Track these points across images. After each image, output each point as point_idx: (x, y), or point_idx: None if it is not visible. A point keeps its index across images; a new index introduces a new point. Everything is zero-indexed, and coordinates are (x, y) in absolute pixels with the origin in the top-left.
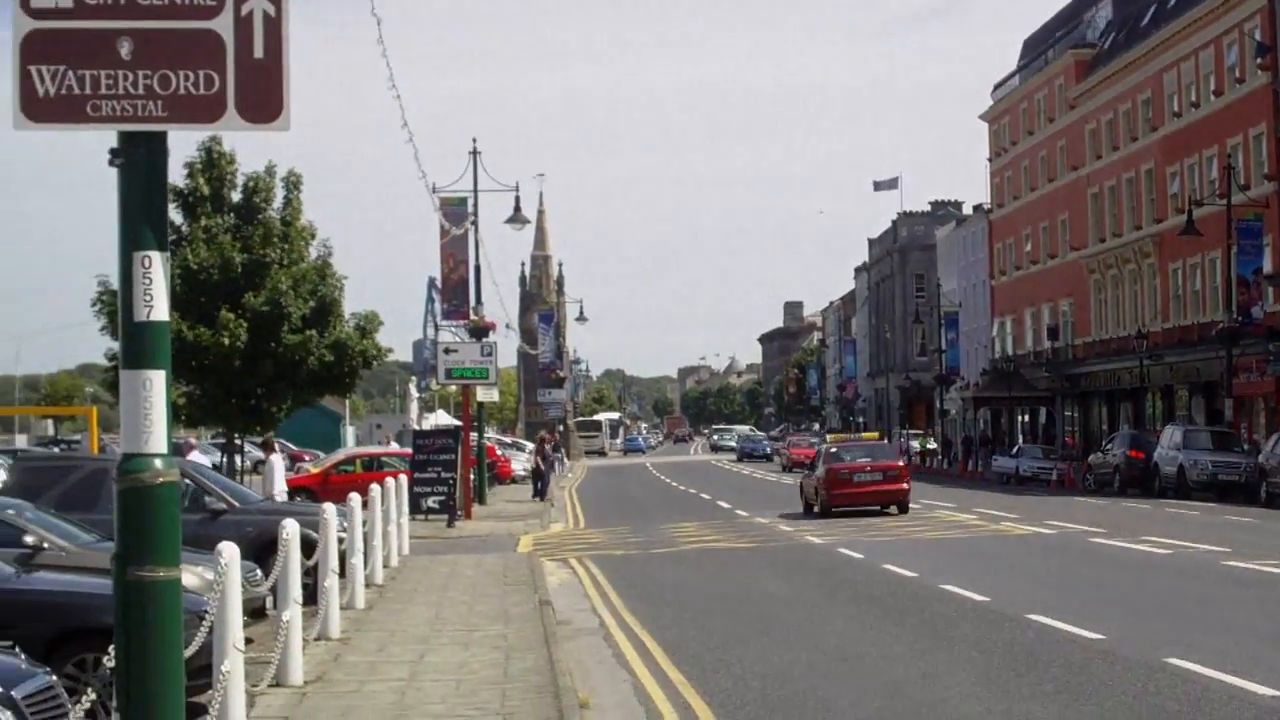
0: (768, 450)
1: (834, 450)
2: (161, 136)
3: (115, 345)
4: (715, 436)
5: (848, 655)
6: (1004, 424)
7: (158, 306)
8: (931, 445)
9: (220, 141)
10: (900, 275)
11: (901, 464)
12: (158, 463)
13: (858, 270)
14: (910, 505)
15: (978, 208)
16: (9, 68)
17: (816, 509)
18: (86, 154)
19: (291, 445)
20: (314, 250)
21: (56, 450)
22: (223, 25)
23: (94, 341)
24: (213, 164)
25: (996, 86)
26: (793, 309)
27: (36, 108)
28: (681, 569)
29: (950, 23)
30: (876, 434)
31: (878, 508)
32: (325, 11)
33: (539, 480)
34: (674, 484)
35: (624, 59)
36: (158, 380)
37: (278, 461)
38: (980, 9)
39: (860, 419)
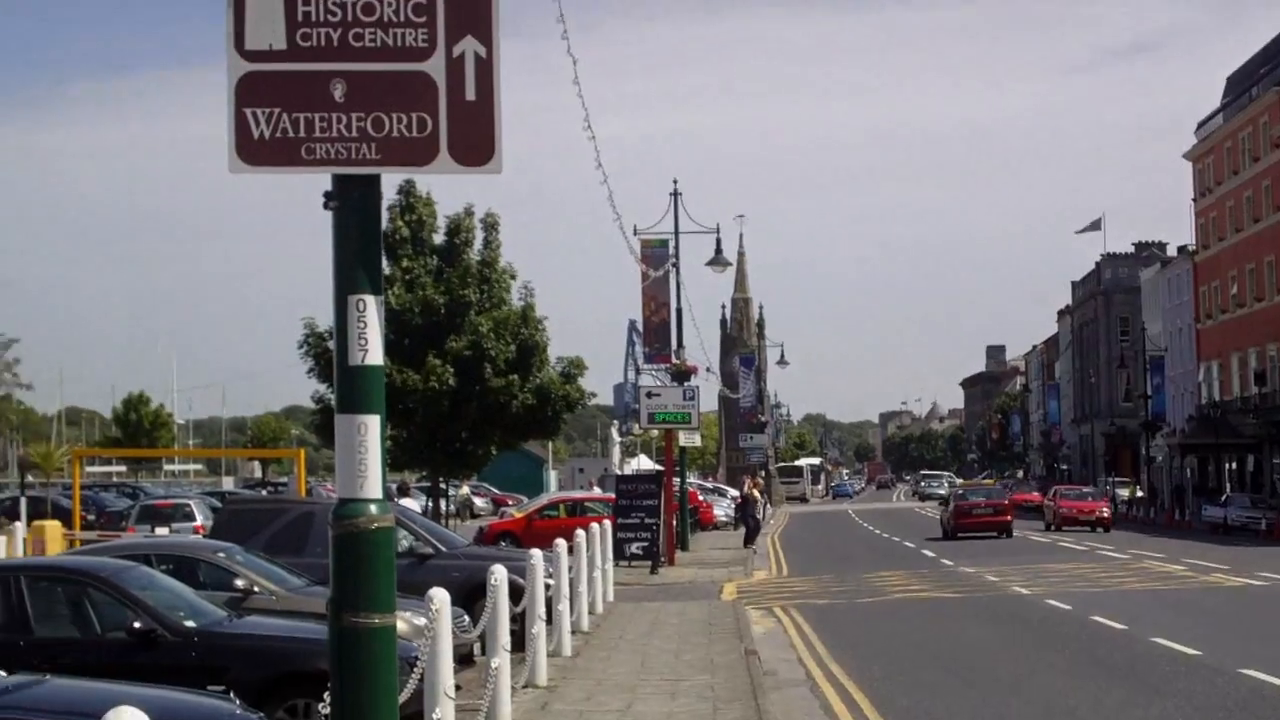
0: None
1: (960, 492)
2: (375, 179)
3: (322, 388)
4: (922, 484)
5: (1058, 709)
6: (1211, 471)
7: (372, 350)
8: (1139, 493)
9: (416, 184)
10: (1104, 318)
11: (1006, 502)
12: (373, 508)
13: (1061, 313)
14: (1015, 532)
15: (1183, 249)
16: (224, 110)
17: (947, 533)
18: (294, 196)
19: (494, 489)
20: (516, 294)
21: (264, 493)
22: (435, 67)
23: (300, 384)
24: (411, 207)
25: (1200, 124)
26: (995, 353)
27: (252, 151)
28: (887, 619)
29: (1150, 59)
30: (991, 480)
31: (993, 534)
32: (519, 50)
33: (746, 525)
34: (878, 531)
35: (820, 101)
36: (373, 425)
37: (411, 505)
38: (1181, 44)
39: (1064, 466)
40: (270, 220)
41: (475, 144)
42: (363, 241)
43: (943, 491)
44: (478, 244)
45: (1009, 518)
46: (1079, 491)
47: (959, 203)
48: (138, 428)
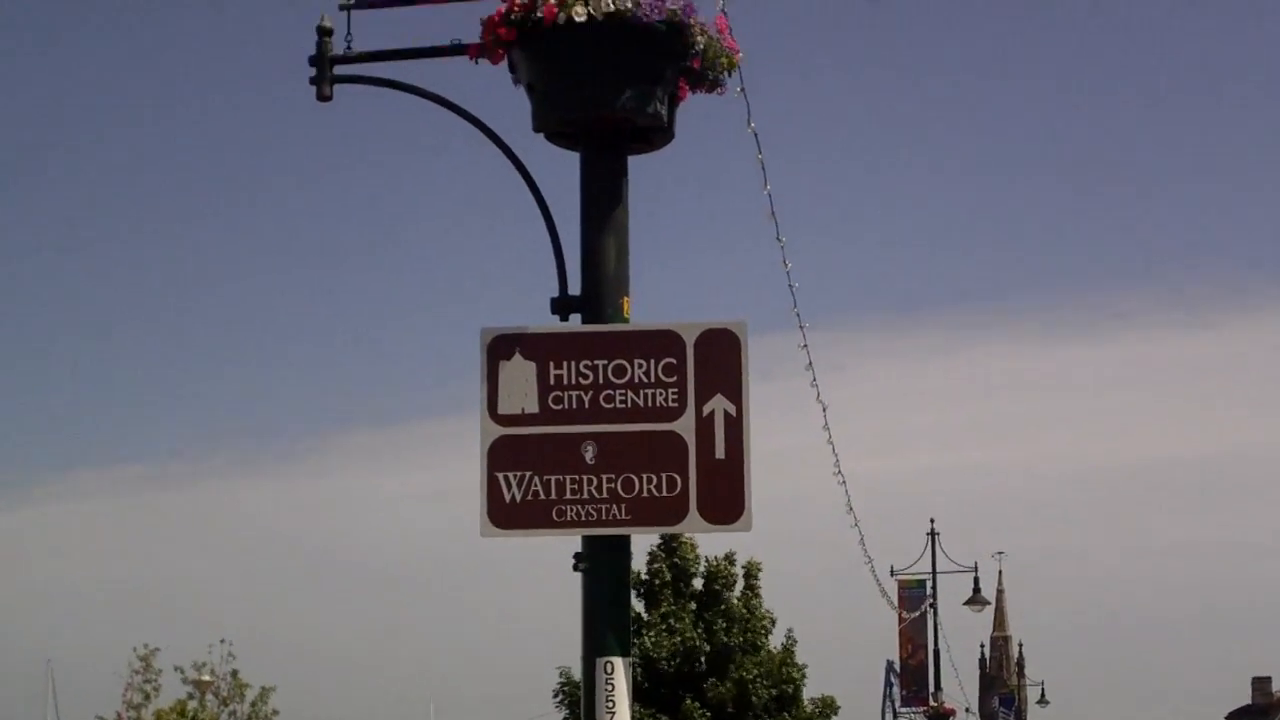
0: None
1: None
2: (625, 539)
3: None
4: None
5: None
6: None
7: (619, 712)
8: None
9: None
10: None
11: None
12: None
13: None
14: None
15: None
16: (477, 475)
17: None
18: (543, 546)
19: None
20: (775, 639)
21: None
22: (684, 427)
23: None
24: (674, 549)
25: None
26: (1261, 684)
27: (503, 514)
28: None
29: None
30: None
31: None
32: (765, 398)
33: None
34: None
35: (1078, 433)
36: None
37: None
38: None
39: None
40: (523, 568)
41: (725, 501)
42: (612, 603)
43: None
44: (738, 589)
45: None
46: None
47: (1223, 532)
48: None
